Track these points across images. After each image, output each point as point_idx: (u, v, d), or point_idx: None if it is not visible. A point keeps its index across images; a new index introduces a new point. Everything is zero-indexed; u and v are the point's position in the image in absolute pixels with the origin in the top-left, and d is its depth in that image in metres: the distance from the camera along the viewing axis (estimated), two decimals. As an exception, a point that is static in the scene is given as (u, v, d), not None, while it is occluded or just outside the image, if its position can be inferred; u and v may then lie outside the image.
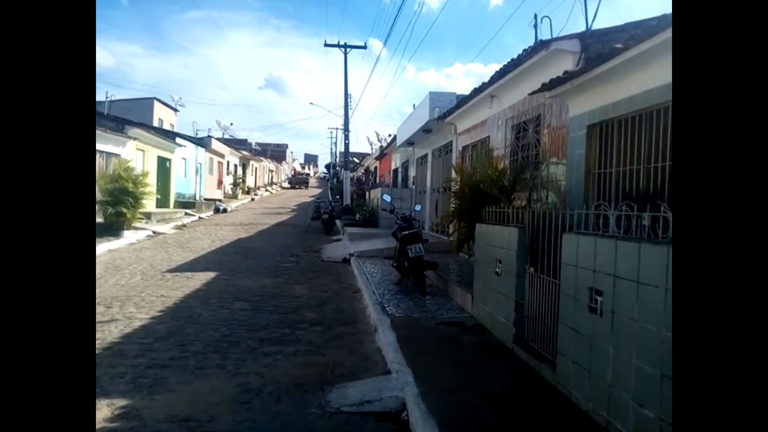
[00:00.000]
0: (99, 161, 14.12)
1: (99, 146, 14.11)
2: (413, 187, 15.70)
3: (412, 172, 16.38)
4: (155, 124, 30.53)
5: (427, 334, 4.84)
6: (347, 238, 13.02)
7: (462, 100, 8.89)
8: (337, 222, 16.94)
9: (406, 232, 6.70)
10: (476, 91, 7.98)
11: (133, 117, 21.88)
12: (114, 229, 12.44)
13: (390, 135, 27.68)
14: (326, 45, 26.59)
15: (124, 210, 12.16)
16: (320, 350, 4.55)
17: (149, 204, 15.78)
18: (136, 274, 7.95)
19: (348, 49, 26.55)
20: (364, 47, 27.38)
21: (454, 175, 10.47)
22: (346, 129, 27.55)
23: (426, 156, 13.78)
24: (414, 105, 15.86)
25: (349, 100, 27.95)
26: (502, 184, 5.79)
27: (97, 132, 13.84)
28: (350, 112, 27.63)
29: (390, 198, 8.13)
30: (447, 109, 10.00)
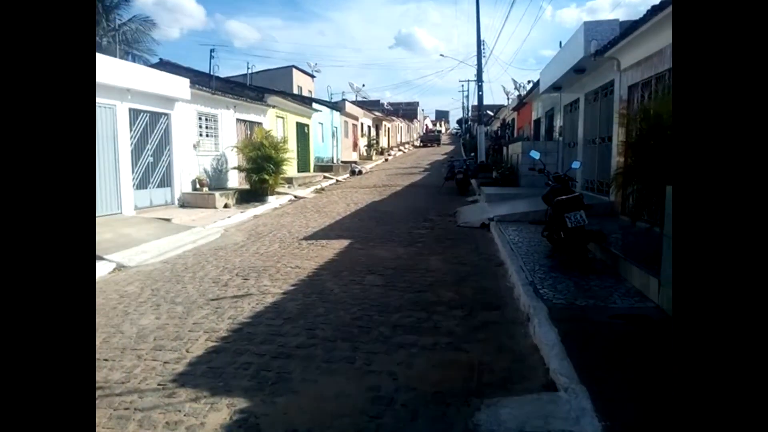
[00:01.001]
0: (243, 130, 14.94)
1: (242, 116, 14.88)
2: (560, 139, 13.82)
3: (558, 122, 14.43)
4: (294, 91, 32.03)
5: (599, 331, 3.77)
6: (484, 199, 11.95)
7: (631, 26, 7.05)
8: (473, 181, 15.85)
9: (563, 197, 5.49)
10: (653, 11, 6.17)
11: (274, 86, 22.97)
12: (259, 194, 13.10)
13: (529, 82, 25.11)
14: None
15: (267, 177, 12.66)
16: (462, 344, 3.81)
17: (290, 169, 16.44)
18: (275, 242, 8.04)
19: (480, -9, 24.35)
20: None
21: (616, 121, 8.68)
22: (479, 79, 25.66)
23: (577, 102, 11.84)
24: (560, 43, 13.72)
25: (482, 47, 25.92)
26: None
27: (240, 102, 14.56)
28: (483, 60, 25.63)
29: (539, 154, 6.87)
30: (608, 40, 8.13)
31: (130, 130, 10.11)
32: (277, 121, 17.28)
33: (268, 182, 12.74)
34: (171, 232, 8.86)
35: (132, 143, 10.19)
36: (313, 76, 39.23)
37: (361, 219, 10.20)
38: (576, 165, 6.79)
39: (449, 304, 4.80)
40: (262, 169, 12.72)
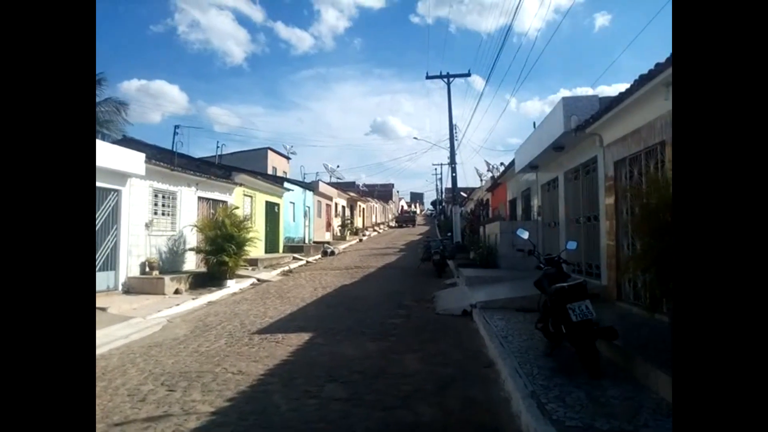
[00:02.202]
0: (206, 208, 13.99)
1: (206, 194, 14.01)
2: (539, 218, 13.30)
3: (535, 201, 14.01)
4: (269, 171, 31.74)
5: (642, 478, 2.69)
6: (464, 282, 11.02)
7: (614, 100, 6.67)
8: (450, 263, 15.01)
9: (564, 285, 4.58)
10: (641, 81, 5.77)
11: (249, 167, 22.52)
12: (217, 278, 11.88)
13: (501, 164, 25.41)
14: (428, 77, 25.57)
15: (226, 258, 11.52)
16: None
17: (256, 250, 15.34)
18: (222, 337, 6.79)
19: (451, 79, 25.28)
20: (468, 75, 25.94)
21: (603, 199, 8.11)
22: (452, 161, 25.88)
23: (556, 180, 11.44)
24: (534, 124, 13.69)
25: (454, 130, 26.45)
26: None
27: (203, 179, 13.75)
28: (456, 143, 26.04)
29: (527, 233, 6.08)
30: (589, 116, 7.77)
31: (69, 207, 9.02)
32: (244, 200, 16.45)
33: (227, 264, 11.58)
34: (102, 324, 7.51)
35: (70, 221, 9.06)
36: (288, 158, 39.43)
37: (328, 306, 9.05)
38: (572, 246, 5.98)
39: (431, 426, 3.66)
40: (221, 250, 11.61)
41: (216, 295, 10.90)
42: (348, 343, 6.21)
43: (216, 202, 14.42)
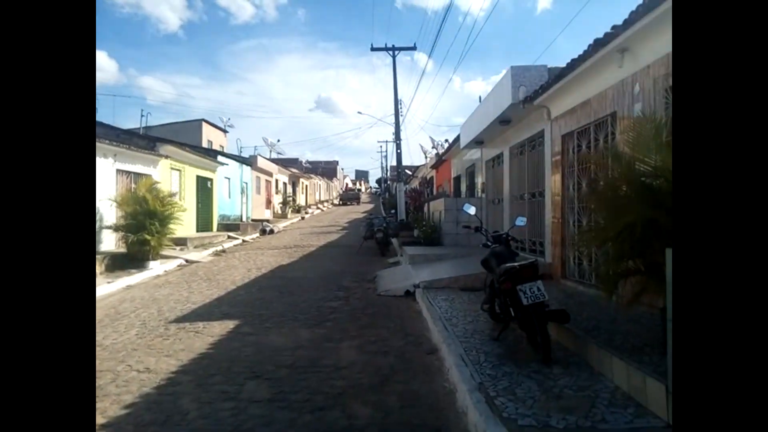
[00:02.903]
0: (126, 182, 12.65)
1: (125, 166, 12.64)
2: (483, 195, 13.11)
3: (480, 178, 13.81)
4: (204, 145, 29.79)
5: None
6: (407, 261, 10.61)
7: (566, 68, 6.31)
8: (394, 241, 14.60)
9: (513, 265, 4.17)
10: (595, 46, 5.41)
11: (182, 139, 20.82)
12: (139, 259, 10.74)
13: (446, 141, 25.25)
14: (373, 49, 24.70)
15: (148, 237, 10.40)
16: None
17: (186, 228, 14.18)
18: (133, 327, 5.93)
19: (396, 52, 24.57)
20: (413, 48, 25.24)
21: (549, 174, 7.86)
22: (397, 137, 25.38)
23: (501, 156, 11.19)
24: (480, 98, 13.36)
25: (399, 106, 25.88)
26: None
27: (122, 150, 12.37)
28: (401, 118, 25.51)
29: (474, 209, 5.65)
30: (538, 86, 7.43)
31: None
32: (172, 174, 15.11)
33: (149, 244, 10.46)
34: None
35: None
36: (225, 131, 37.28)
37: (260, 289, 8.32)
38: (522, 222, 5.60)
39: (365, 431, 3.14)
40: (142, 228, 10.47)
41: (136, 278, 9.82)
42: (278, 331, 5.57)
43: (139, 175, 13.06)
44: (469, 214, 5.67)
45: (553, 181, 7.65)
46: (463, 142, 13.53)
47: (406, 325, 5.82)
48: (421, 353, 4.76)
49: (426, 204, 19.01)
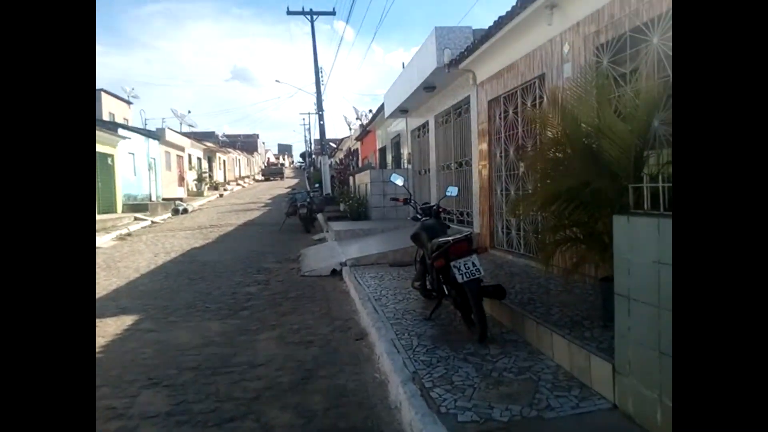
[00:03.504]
0: None
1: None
2: (409, 166, 12.81)
3: (406, 149, 13.48)
4: (106, 118, 26.84)
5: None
6: (333, 236, 10.11)
7: (493, 27, 5.96)
8: (319, 217, 13.98)
9: (446, 240, 3.80)
10: (523, 3, 5.08)
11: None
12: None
13: (370, 111, 24.65)
14: (289, 12, 23.21)
15: (29, 223, 8.93)
16: None
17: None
18: (2, 331, 4.91)
19: (315, 17, 23.33)
20: (333, 13, 24.26)
21: (476, 142, 7.62)
22: (319, 108, 24.37)
23: (426, 125, 10.88)
24: (403, 64, 12.91)
25: (320, 75, 24.79)
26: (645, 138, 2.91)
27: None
28: (322, 88, 24.48)
29: (403, 179, 5.22)
30: (463, 48, 7.06)
31: None
32: (60, 149, 13.23)
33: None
34: None
35: None
36: (129, 102, 33.88)
37: (167, 276, 7.42)
38: (453, 192, 5.23)
39: (284, 445, 2.66)
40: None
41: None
42: (185, 325, 4.87)
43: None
44: (397, 185, 5.24)
45: (480, 150, 7.42)
46: (387, 112, 13.06)
47: (332, 308, 5.34)
48: (348, 340, 4.31)
49: (351, 177, 18.49)
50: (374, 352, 3.93)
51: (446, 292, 3.89)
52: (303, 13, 22.98)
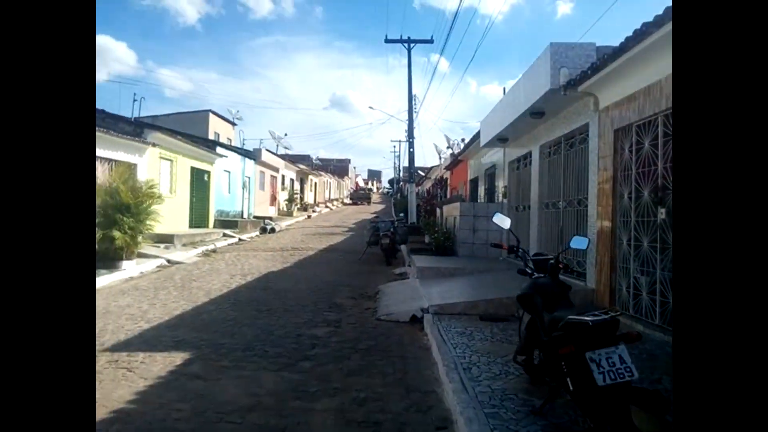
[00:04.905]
0: (108, 172, 11.35)
1: (106, 153, 11.35)
2: (504, 201, 11.59)
3: (501, 182, 12.28)
4: (211, 137, 28.64)
5: None
6: (416, 273, 9.15)
7: (627, 42, 4.76)
8: (402, 248, 13.13)
9: (581, 319, 2.65)
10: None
11: (188, 130, 19.68)
12: (110, 258, 9.40)
13: (462, 140, 23.69)
14: (387, 41, 23.28)
15: (117, 234, 9.06)
16: None
17: (175, 223, 12.91)
18: (54, 354, 4.54)
19: (412, 45, 23.15)
20: (430, 41, 23.71)
21: (595, 179, 6.32)
22: (410, 134, 23.95)
23: (528, 156, 9.66)
24: (504, 89, 11.87)
25: (413, 102, 24.41)
26: None
27: (107, 136, 11.08)
28: (414, 115, 24.05)
29: (509, 221, 4.15)
30: (586, 67, 5.90)
31: None
32: (161, 164, 13.82)
33: (117, 242, 9.12)
34: None
35: None
36: (233, 123, 36.04)
37: (234, 304, 6.90)
38: (580, 244, 3.94)
39: None
40: (112, 224, 9.14)
41: (103, 280, 8.50)
42: (235, 374, 4.13)
43: (121, 164, 11.76)
44: (501, 227, 4.17)
45: (600, 188, 6.12)
46: (483, 140, 12.02)
47: (409, 372, 4.34)
48: (427, 428, 3.29)
49: (439, 208, 17.50)
50: (462, 457, 2.87)
51: (570, 386, 2.74)
52: (401, 41, 22.92)
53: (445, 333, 5.26)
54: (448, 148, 26.92)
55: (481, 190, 15.65)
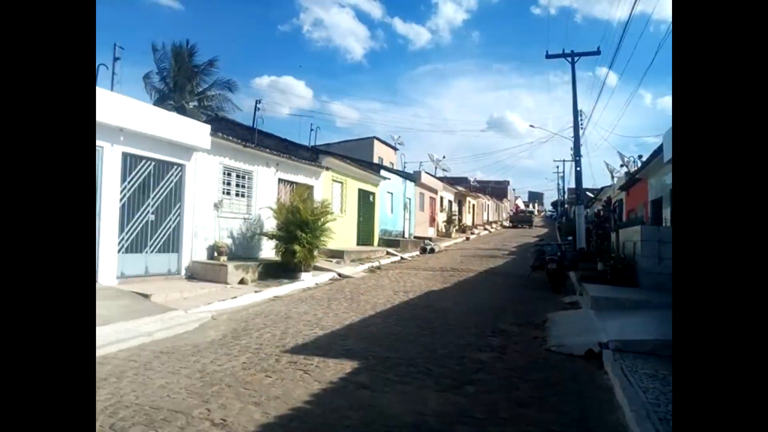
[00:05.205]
0: (288, 192, 12.83)
1: (287, 176, 12.86)
2: (700, 224, 9.81)
3: (696, 202, 10.46)
4: (375, 161, 30.70)
5: None
6: (589, 303, 8.24)
7: None
8: (571, 274, 12.05)
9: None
10: None
11: (354, 156, 21.50)
12: (291, 269, 10.53)
13: (640, 157, 21.08)
14: (548, 56, 22.10)
15: (297, 247, 10.08)
16: None
17: (346, 241, 13.95)
18: (247, 351, 5.17)
19: (576, 58, 21.60)
20: (597, 53, 21.84)
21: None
22: (576, 153, 22.16)
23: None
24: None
25: (579, 118, 22.66)
26: None
27: (283, 160, 12.58)
28: (581, 131, 22.26)
29: None
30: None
31: (124, 180, 8.18)
32: (333, 186, 15.12)
33: (296, 254, 10.13)
34: (132, 315, 6.40)
35: (124, 195, 8.22)
36: (395, 148, 38.10)
37: (398, 319, 7.03)
38: None
39: None
40: (293, 238, 10.22)
41: (285, 288, 9.53)
42: (400, 389, 4.13)
43: (301, 186, 13.20)
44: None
45: None
46: (667, 156, 10.45)
47: (589, 415, 3.82)
48: (617, 482, 2.80)
49: (613, 232, 15.70)
50: None
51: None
52: (564, 55, 21.57)
53: (630, 374, 4.54)
54: (622, 166, 24.29)
55: (666, 213, 13.60)
